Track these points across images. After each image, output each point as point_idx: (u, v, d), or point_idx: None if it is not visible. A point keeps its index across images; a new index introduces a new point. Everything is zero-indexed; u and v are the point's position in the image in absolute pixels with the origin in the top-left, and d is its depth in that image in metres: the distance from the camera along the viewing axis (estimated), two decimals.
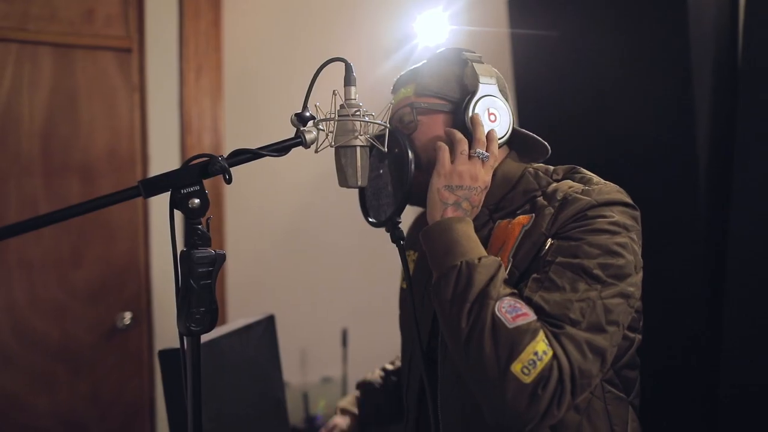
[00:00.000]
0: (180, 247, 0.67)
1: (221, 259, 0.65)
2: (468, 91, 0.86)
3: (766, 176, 1.46)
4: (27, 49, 1.82)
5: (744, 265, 1.50)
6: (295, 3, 2.42)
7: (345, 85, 0.70)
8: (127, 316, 1.94)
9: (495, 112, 0.86)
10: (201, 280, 0.63)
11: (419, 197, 0.87)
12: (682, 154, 1.58)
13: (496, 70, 0.91)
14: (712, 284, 1.58)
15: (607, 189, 0.81)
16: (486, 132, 0.85)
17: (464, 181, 0.81)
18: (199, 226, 0.64)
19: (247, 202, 2.15)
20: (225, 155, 0.66)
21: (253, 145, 2.41)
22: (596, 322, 0.72)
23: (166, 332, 2.02)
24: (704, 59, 1.55)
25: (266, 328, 1.18)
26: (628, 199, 0.83)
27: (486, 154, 0.83)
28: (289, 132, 1.83)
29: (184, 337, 0.66)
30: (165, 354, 0.94)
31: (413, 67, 0.94)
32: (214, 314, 0.65)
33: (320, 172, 2.26)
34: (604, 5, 1.81)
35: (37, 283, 1.85)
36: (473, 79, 0.86)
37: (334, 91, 0.69)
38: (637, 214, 0.83)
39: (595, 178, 0.86)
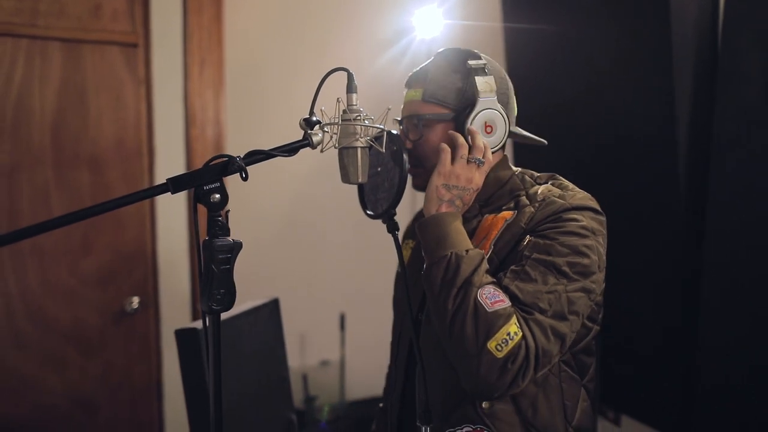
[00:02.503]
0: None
1: (238, 247, 0.74)
2: (469, 102, 0.96)
3: (741, 167, 1.55)
4: (37, 45, 1.88)
5: (720, 251, 1.59)
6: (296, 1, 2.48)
7: (347, 92, 0.79)
8: (135, 301, 2.03)
9: (492, 125, 0.95)
10: (221, 266, 0.72)
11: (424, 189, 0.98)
12: (663, 145, 1.67)
13: (499, 69, 0.99)
14: (691, 270, 1.68)
15: (580, 196, 0.93)
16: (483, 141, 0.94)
17: (460, 182, 0.92)
18: (219, 218, 0.73)
19: (247, 193, 2.23)
20: (242, 155, 0.74)
21: (253, 137, 2.50)
22: (560, 311, 0.84)
23: (172, 316, 2.10)
24: (685, 58, 1.63)
25: (272, 310, 1.27)
26: (597, 206, 0.93)
27: (482, 160, 0.93)
28: (287, 123, 1.92)
29: (206, 316, 0.74)
30: (181, 333, 1.03)
31: (425, 65, 1.02)
32: (232, 296, 0.74)
33: (318, 165, 2.34)
34: (594, 1, 1.89)
35: (49, 270, 1.94)
36: (473, 93, 0.95)
37: (338, 99, 0.77)
38: (604, 219, 0.93)
39: (571, 185, 0.97)
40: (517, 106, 1.05)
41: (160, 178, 2.05)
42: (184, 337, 1.02)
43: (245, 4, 2.32)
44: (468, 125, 0.94)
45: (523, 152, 2.26)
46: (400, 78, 2.92)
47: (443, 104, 0.97)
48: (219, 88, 2.15)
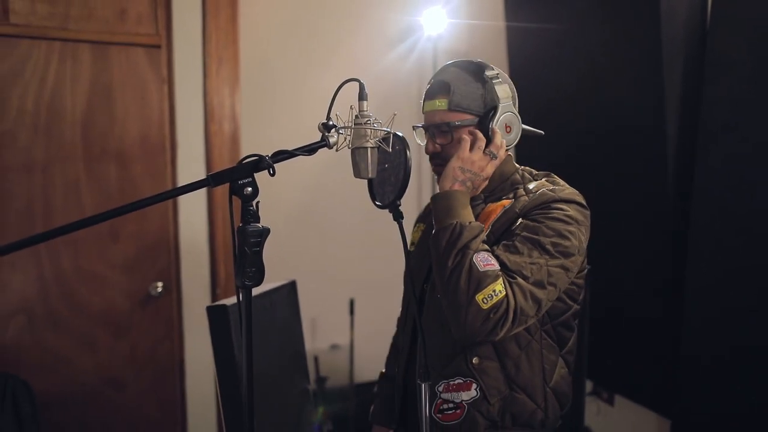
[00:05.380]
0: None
1: (267, 232, 0.87)
2: (490, 106, 1.11)
3: (726, 158, 1.65)
4: (68, 47, 2.02)
5: (705, 238, 1.71)
6: None
7: (359, 100, 0.91)
8: (159, 286, 2.18)
9: (511, 126, 1.12)
10: (253, 248, 0.85)
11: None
12: (653, 136, 1.78)
13: (507, 77, 1.15)
14: (678, 258, 1.79)
15: (569, 191, 1.09)
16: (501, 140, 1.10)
17: (474, 167, 1.08)
18: (251, 208, 0.86)
19: (263, 183, 2.36)
20: (269, 155, 0.87)
21: (266, 131, 2.65)
22: (540, 280, 0.99)
23: (194, 299, 2.25)
24: (674, 55, 1.74)
25: (290, 291, 1.41)
26: (583, 201, 1.09)
27: (496, 155, 1.09)
28: (297, 119, 2.04)
29: (240, 290, 0.87)
30: (212, 309, 1.16)
31: (444, 78, 1.14)
32: (262, 273, 0.87)
33: (329, 158, 2.46)
34: (590, 2, 2.00)
35: (81, 256, 2.08)
36: (495, 98, 1.11)
37: (351, 106, 0.90)
38: (588, 213, 1.09)
39: (562, 182, 1.13)
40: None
41: (182, 172, 2.19)
42: (215, 313, 1.16)
43: (258, 3, 2.44)
44: (493, 125, 1.09)
45: (524, 141, 2.37)
46: (407, 73, 3.05)
47: (468, 111, 1.12)
48: (234, 84, 2.27)
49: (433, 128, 1.15)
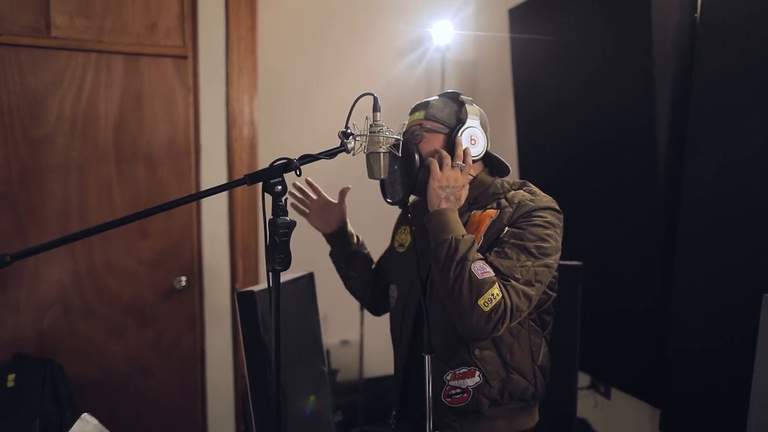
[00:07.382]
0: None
1: (294, 224, 1.01)
2: (460, 122, 1.26)
3: (712, 164, 1.77)
4: (103, 58, 2.19)
5: (692, 241, 1.83)
6: (321, 9, 2.75)
7: (373, 111, 1.06)
8: (183, 280, 2.33)
9: (475, 138, 1.26)
10: (282, 237, 0.99)
11: (419, 189, 1.27)
12: (645, 142, 1.91)
13: (480, 109, 1.31)
14: (665, 248, 1.91)
15: (545, 199, 1.23)
16: (463, 150, 1.24)
17: (450, 182, 1.21)
18: (281, 203, 1.00)
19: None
20: (297, 158, 1.02)
21: (281, 136, 2.84)
22: (529, 280, 1.14)
23: (214, 293, 2.40)
24: (664, 68, 1.87)
25: (308, 281, 1.56)
26: (557, 207, 1.24)
27: (463, 164, 1.23)
28: (311, 124, 2.18)
29: (270, 274, 1.02)
30: (241, 295, 1.31)
31: (426, 99, 1.31)
32: (289, 259, 1.01)
33: (341, 161, 2.61)
34: (588, 15, 2.14)
35: (112, 251, 2.25)
36: (464, 115, 1.26)
37: (366, 117, 1.05)
38: (562, 216, 1.24)
39: (538, 191, 1.26)
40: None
41: (205, 174, 2.34)
42: (243, 298, 1.30)
43: (275, 14, 2.60)
44: (458, 136, 1.24)
45: (527, 145, 2.51)
46: (416, 81, 3.20)
47: (441, 122, 1.27)
48: (253, 92, 2.42)
49: (408, 134, 1.30)
